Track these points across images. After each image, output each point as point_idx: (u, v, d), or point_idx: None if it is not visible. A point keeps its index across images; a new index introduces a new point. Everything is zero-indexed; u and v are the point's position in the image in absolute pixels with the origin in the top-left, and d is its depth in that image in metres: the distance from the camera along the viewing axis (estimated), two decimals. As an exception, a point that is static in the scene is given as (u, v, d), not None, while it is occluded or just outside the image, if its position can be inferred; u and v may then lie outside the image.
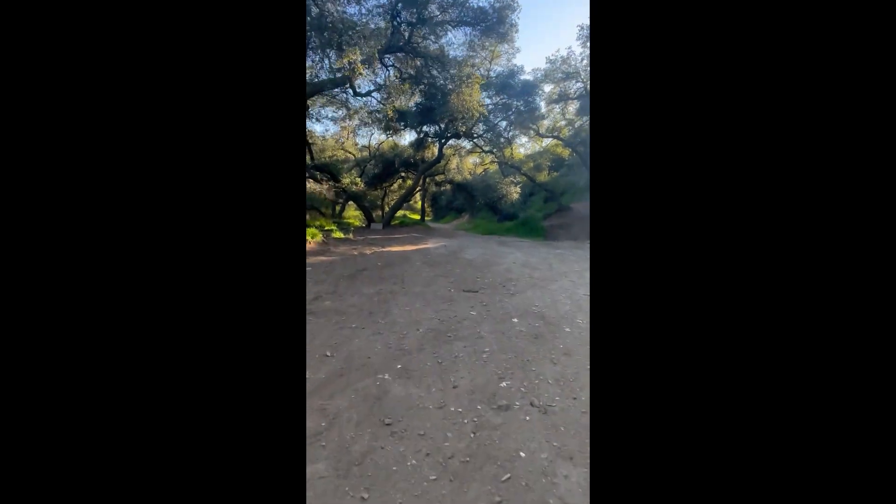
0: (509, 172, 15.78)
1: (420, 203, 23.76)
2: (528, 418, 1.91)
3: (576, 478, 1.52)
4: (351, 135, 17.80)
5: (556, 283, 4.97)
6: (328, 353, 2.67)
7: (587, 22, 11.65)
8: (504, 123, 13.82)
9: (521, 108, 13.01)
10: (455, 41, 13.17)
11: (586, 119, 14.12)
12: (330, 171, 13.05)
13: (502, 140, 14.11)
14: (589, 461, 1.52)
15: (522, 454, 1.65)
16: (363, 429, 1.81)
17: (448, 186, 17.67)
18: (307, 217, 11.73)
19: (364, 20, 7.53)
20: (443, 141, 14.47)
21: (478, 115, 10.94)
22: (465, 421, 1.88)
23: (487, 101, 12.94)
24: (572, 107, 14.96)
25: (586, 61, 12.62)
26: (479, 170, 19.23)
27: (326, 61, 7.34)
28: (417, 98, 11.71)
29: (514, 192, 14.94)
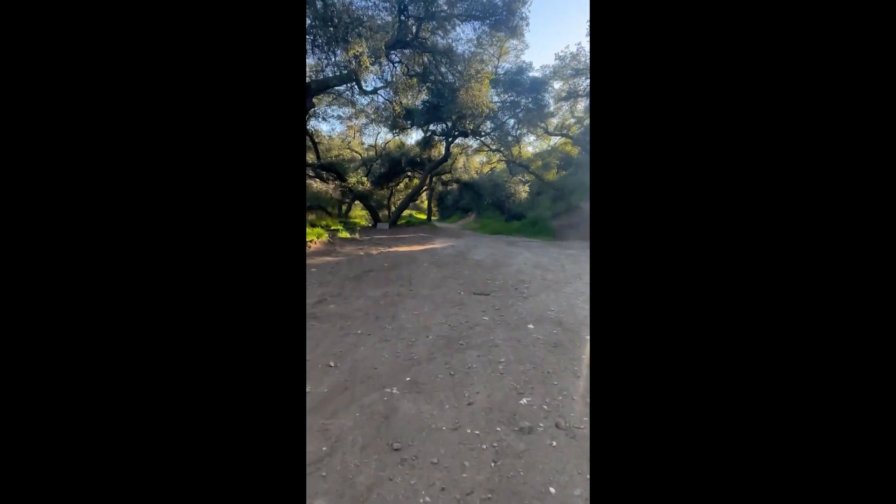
0: (517, 171, 15.51)
1: (426, 202, 23.57)
2: (554, 444, 1.69)
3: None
4: (357, 134, 17.66)
5: (571, 285, 4.74)
6: (332, 363, 2.47)
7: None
8: (512, 121, 13.57)
9: (530, 105, 12.73)
10: (463, 36, 12.94)
11: (596, 116, 13.75)
12: (336, 171, 12.91)
13: (510, 138, 13.84)
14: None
15: (552, 489, 1.43)
16: (369, 455, 1.61)
17: (455, 186, 17.47)
18: (314, 216, 11.61)
19: (370, 13, 7.32)
20: (450, 140, 14.26)
21: (487, 111, 10.69)
22: (484, 446, 1.67)
23: (496, 98, 12.69)
24: (581, 104, 14.66)
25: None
26: (486, 169, 18.98)
27: (332, 56, 7.16)
28: (424, 96, 11.50)
29: (523, 191, 14.68)
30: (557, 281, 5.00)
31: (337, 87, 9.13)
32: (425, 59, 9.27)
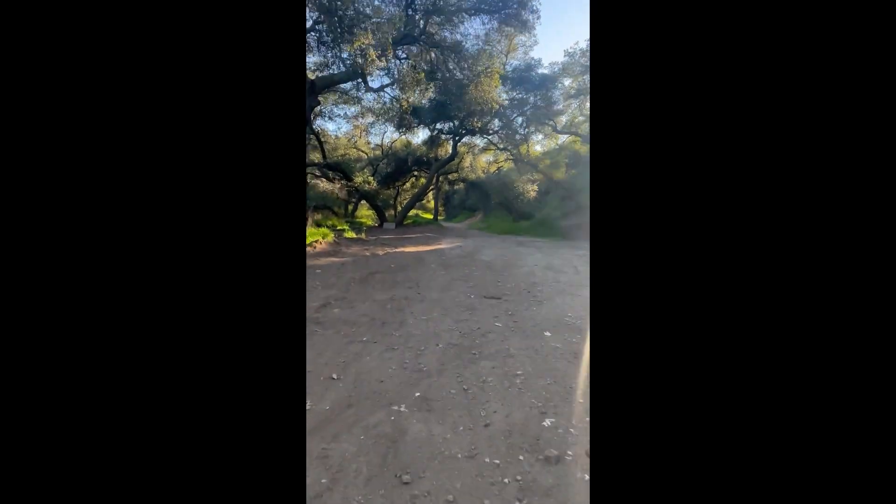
0: (525, 170, 15.23)
1: (433, 202, 23.38)
2: (587, 478, 1.47)
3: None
4: (363, 133, 17.54)
5: (586, 288, 4.50)
6: (334, 376, 2.27)
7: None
8: (520, 119, 13.32)
9: (539, 103, 12.48)
10: (472, 31, 12.68)
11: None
12: (342, 170, 12.77)
13: (518, 136, 13.59)
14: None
15: (590, 538, 1.21)
16: (374, 488, 1.40)
17: (461, 185, 17.24)
18: (320, 216, 11.47)
19: (376, 4, 7.12)
20: (457, 138, 14.05)
21: (497, 107, 10.45)
22: (506, 480, 1.45)
23: (504, 95, 12.43)
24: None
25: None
26: (494, 168, 18.71)
27: (338, 52, 6.98)
28: (431, 93, 11.29)
29: (531, 190, 14.40)
30: (572, 283, 4.76)
31: (343, 85, 8.96)
32: (433, 55, 9.06)
